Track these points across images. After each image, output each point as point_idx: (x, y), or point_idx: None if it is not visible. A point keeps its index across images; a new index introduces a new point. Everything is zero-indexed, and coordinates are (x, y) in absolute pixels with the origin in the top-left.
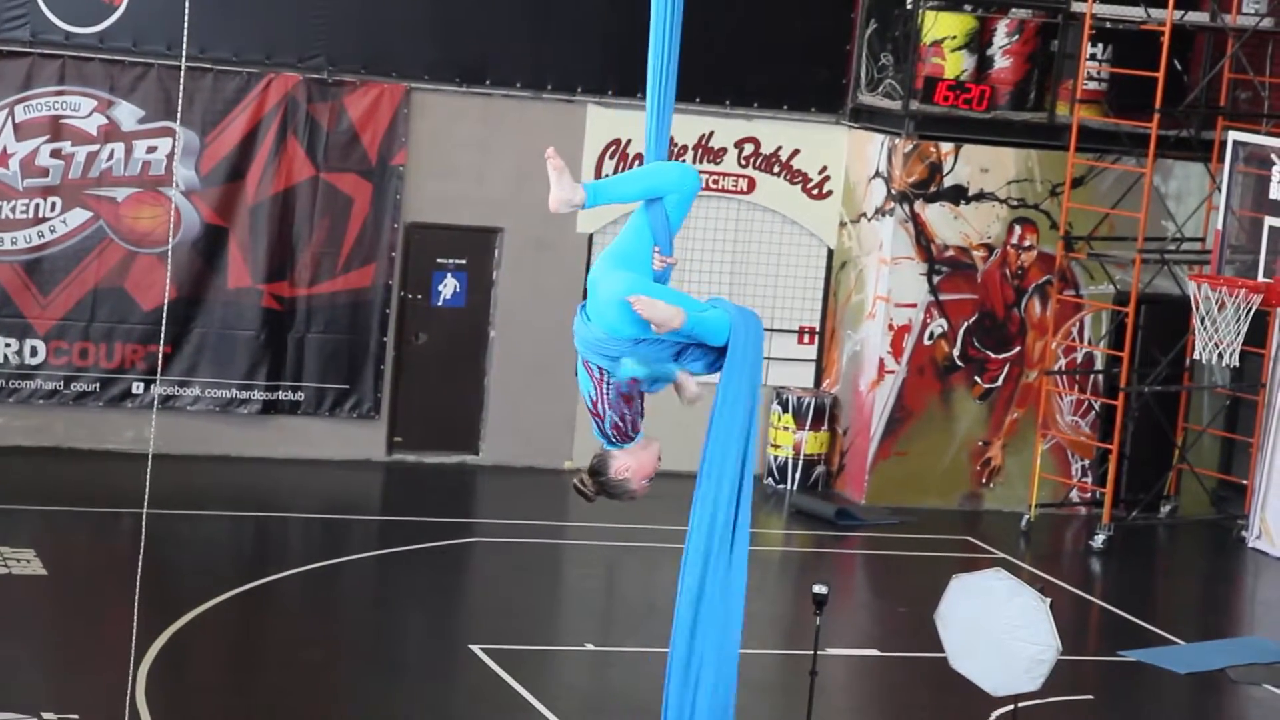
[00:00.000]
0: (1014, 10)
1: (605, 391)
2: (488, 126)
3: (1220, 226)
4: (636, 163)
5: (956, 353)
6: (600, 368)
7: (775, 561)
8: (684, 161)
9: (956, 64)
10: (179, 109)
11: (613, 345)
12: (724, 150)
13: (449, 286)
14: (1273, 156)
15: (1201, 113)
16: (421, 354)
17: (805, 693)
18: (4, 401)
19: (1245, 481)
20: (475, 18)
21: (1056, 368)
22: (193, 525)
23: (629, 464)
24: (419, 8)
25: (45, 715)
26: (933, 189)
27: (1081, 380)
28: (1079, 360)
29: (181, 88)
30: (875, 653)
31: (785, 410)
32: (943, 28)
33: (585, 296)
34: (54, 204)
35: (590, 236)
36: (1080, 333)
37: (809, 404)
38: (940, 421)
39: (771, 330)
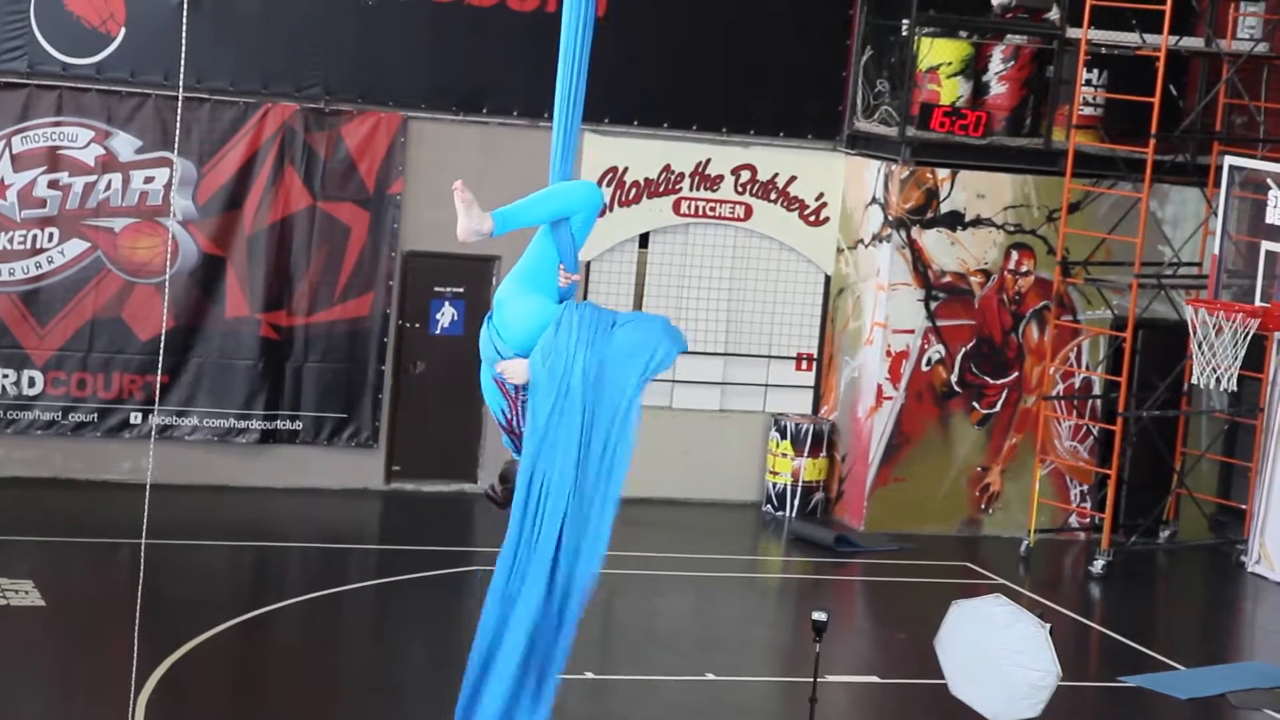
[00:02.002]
0: (1009, 36)
1: (520, 408)
2: (485, 155)
3: (1217, 251)
4: (634, 190)
5: (954, 378)
6: (516, 385)
7: (774, 588)
8: (591, 181)
9: (952, 90)
10: (176, 139)
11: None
12: (721, 177)
13: (447, 315)
14: (1269, 181)
15: (1197, 138)
16: (420, 382)
17: None
18: (2, 432)
19: (1244, 506)
20: (472, 47)
21: (1054, 393)
22: (191, 555)
23: None
24: (416, 37)
25: None
26: (930, 215)
27: (1080, 405)
28: (1077, 385)
29: (178, 118)
30: (875, 679)
31: (784, 437)
32: (938, 54)
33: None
34: (51, 235)
35: (588, 264)
36: (1078, 358)
37: (807, 430)
38: (939, 447)
39: (770, 357)
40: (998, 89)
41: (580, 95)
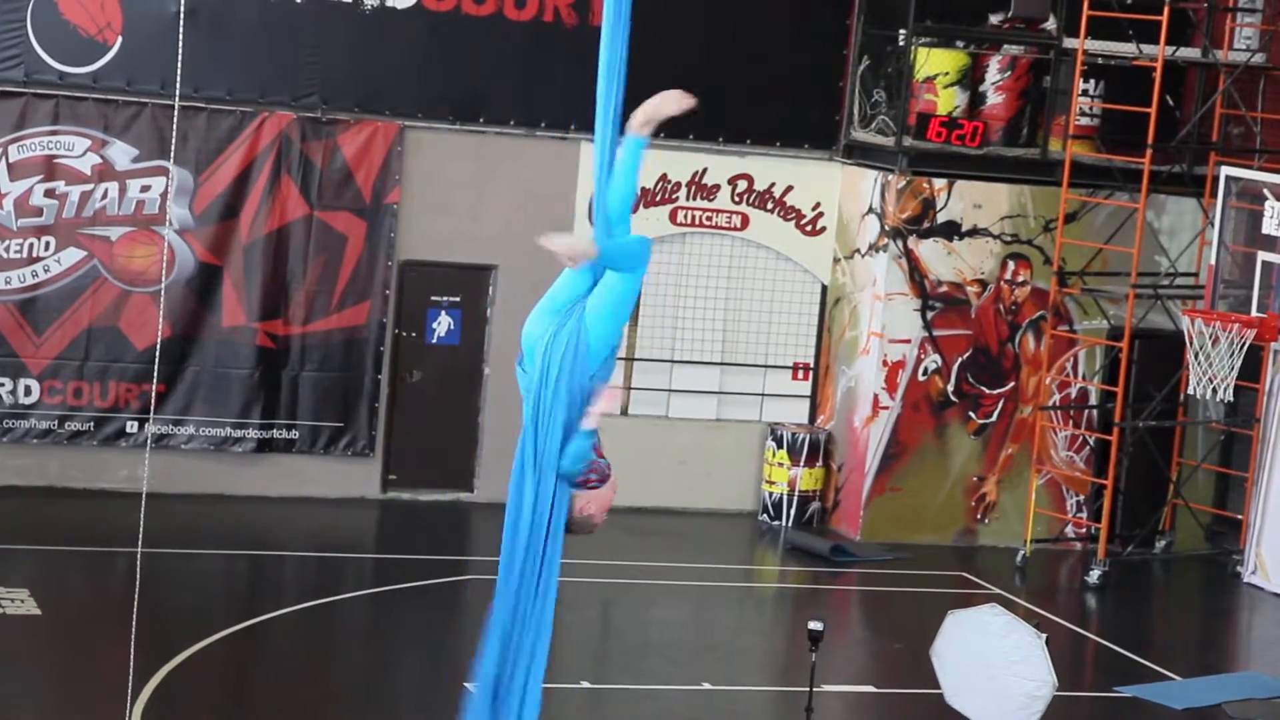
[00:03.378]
0: (1006, 46)
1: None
2: (482, 164)
3: (1213, 261)
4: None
5: (951, 388)
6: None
7: (770, 598)
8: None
9: (949, 100)
10: (173, 148)
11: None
12: (718, 187)
13: (443, 324)
14: (1265, 191)
15: (1194, 148)
16: (416, 391)
17: None
18: None
19: (1240, 516)
20: (469, 56)
21: (1051, 403)
22: (187, 564)
23: (588, 498)
24: (412, 46)
25: None
26: (926, 225)
27: (1076, 415)
28: (1073, 396)
29: (175, 126)
30: (871, 689)
31: (780, 446)
32: (935, 64)
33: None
34: (48, 243)
35: None
36: (1074, 368)
37: (804, 440)
38: (935, 457)
39: (766, 367)
40: (994, 99)
41: (619, 106)
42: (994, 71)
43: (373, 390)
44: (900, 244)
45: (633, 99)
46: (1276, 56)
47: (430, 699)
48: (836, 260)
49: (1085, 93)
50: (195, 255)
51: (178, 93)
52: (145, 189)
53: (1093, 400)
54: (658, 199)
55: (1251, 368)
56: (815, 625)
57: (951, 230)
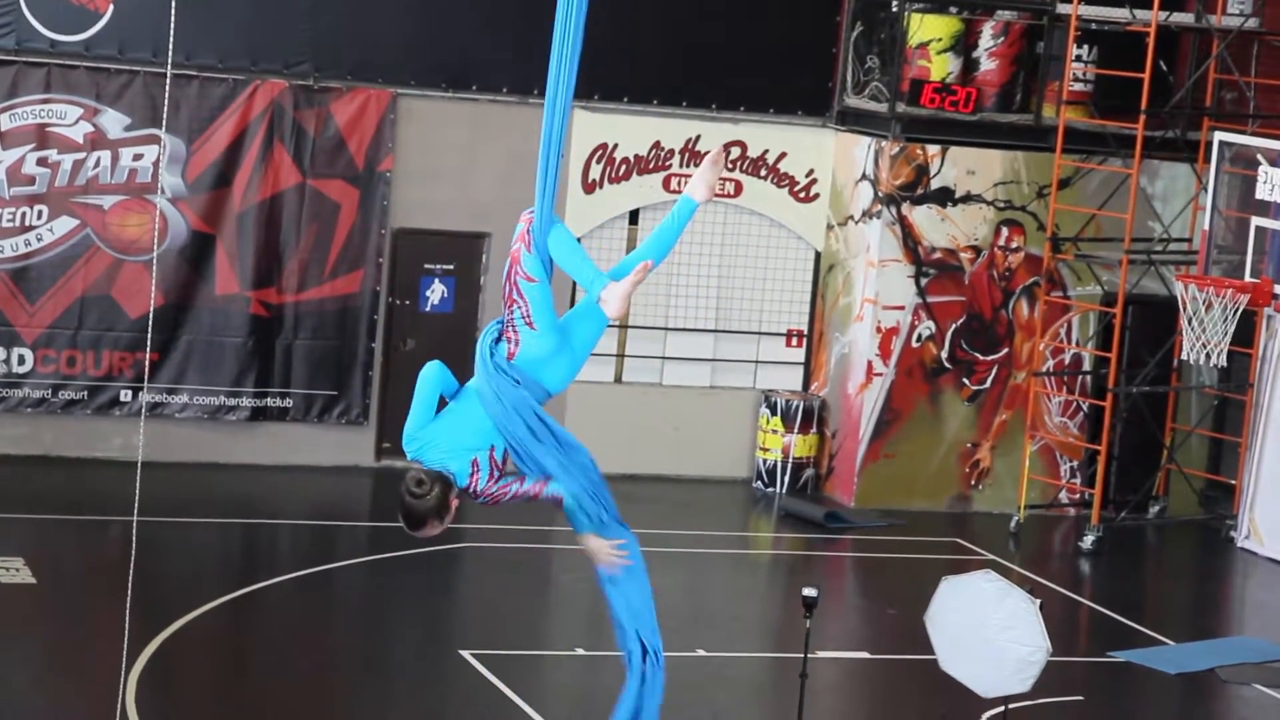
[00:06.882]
0: (999, 12)
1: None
2: (474, 132)
3: (1207, 227)
4: (623, 166)
5: (944, 355)
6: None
7: (765, 564)
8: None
9: (942, 66)
10: (165, 116)
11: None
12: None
13: (437, 292)
14: (1258, 156)
15: (1187, 113)
16: (410, 359)
17: (795, 695)
18: None
19: (1233, 481)
20: (461, 23)
21: (1044, 369)
22: (182, 532)
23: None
24: (405, 14)
25: None
26: (920, 191)
27: (1070, 381)
28: (1067, 361)
29: (167, 95)
30: (865, 655)
31: (774, 413)
32: (928, 30)
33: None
34: (40, 212)
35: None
36: (1068, 334)
37: (797, 407)
38: (929, 423)
39: (760, 333)
40: (988, 65)
41: (572, 76)
42: (987, 37)
43: (366, 359)
44: (894, 210)
45: (628, 65)
46: (1270, 21)
47: (425, 665)
48: (830, 227)
49: (1079, 58)
50: (188, 224)
51: (170, 61)
52: (137, 157)
53: (1086, 366)
54: (651, 166)
55: (1245, 333)
56: (809, 591)
57: (945, 196)
